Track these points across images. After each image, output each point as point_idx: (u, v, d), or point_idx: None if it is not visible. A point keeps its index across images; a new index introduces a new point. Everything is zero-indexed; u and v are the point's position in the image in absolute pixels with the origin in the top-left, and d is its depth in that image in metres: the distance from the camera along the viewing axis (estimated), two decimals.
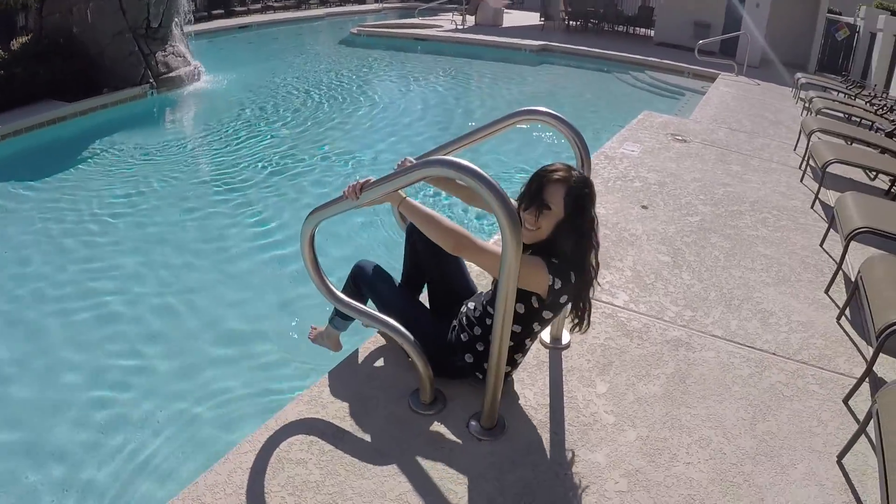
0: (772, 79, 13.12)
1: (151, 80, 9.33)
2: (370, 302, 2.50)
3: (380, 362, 2.54)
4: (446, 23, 18.81)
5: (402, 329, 2.22)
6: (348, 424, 2.17)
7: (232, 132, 7.93)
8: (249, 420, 3.10)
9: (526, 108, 2.59)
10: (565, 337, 2.78)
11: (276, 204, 5.87)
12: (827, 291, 3.64)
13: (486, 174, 1.79)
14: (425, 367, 2.20)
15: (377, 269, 2.51)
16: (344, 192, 2.12)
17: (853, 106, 8.31)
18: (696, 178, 5.44)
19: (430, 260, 2.49)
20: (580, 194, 2.07)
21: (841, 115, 7.77)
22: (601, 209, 4.47)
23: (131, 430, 3.15)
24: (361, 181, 2.10)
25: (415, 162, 2.11)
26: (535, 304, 2.11)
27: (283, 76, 11.39)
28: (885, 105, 8.71)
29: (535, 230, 2.11)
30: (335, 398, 2.30)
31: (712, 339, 3.01)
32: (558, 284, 2.07)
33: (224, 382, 3.52)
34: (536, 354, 2.69)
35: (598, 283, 2.25)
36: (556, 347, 2.73)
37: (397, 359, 2.53)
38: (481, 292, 2.51)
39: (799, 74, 11.81)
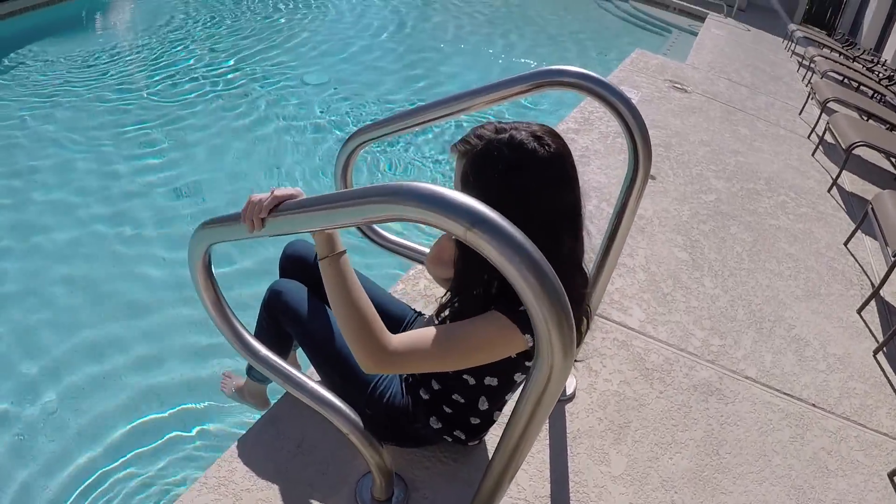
0: (760, 25, 12.29)
1: None
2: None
3: (313, 420, 1.71)
4: None
5: (343, 407, 1.39)
6: None
7: (178, 38, 6.53)
8: None
9: (542, 69, 1.61)
10: (570, 384, 2.06)
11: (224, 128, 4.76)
12: (860, 312, 3.05)
13: (509, 228, 0.90)
14: (380, 459, 1.43)
15: (302, 293, 1.61)
16: (242, 213, 1.18)
17: (853, 70, 7.63)
18: (705, 142, 4.70)
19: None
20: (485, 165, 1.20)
21: (841, 78, 7.10)
22: (600, 175, 3.71)
23: None
24: (278, 193, 1.15)
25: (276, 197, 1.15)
26: (513, 355, 1.32)
27: None
28: (887, 75, 8.07)
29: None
30: (251, 484, 1.50)
31: (746, 383, 2.36)
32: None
33: None
34: None
35: (592, 313, 1.46)
36: (558, 400, 2.01)
37: None
38: (416, 315, 1.74)
39: (792, 25, 11.06)
